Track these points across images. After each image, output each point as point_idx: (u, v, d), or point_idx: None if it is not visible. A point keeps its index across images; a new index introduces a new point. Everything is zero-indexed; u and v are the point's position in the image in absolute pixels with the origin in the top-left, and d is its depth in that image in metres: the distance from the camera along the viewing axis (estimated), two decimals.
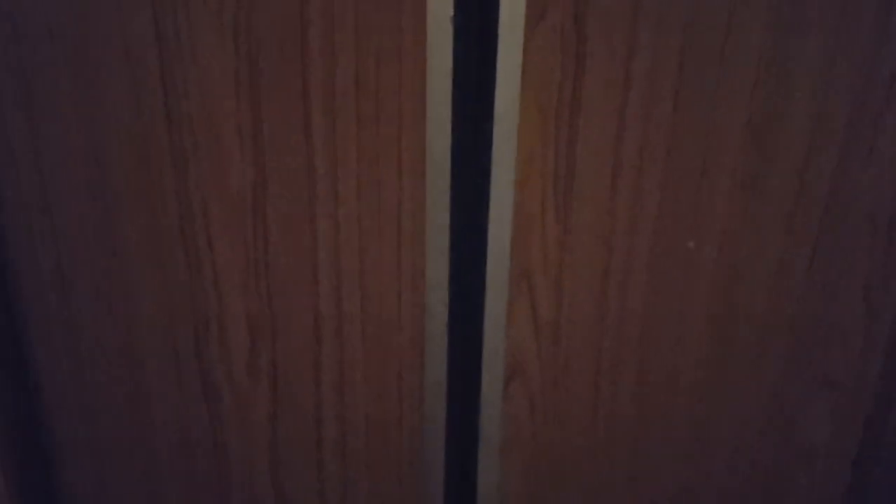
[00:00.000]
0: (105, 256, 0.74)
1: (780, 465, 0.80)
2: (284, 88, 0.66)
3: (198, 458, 0.81)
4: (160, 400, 0.79)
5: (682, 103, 0.67)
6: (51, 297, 0.76)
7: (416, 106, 0.66)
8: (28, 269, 0.75)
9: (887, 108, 0.68)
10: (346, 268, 0.72)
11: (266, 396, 0.77)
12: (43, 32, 0.66)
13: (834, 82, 0.67)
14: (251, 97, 0.66)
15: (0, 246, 0.75)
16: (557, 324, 0.74)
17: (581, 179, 0.69)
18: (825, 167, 0.70)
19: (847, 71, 0.66)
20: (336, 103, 0.66)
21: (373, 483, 0.81)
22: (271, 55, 0.64)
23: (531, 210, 0.70)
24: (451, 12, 0.63)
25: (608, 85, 0.66)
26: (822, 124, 0.68)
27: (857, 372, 0.77)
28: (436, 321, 0.73)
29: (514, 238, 0.71)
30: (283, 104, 0.66)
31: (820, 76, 0.66)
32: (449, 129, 0.67)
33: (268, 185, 0.69)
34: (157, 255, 0.74)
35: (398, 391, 0.77)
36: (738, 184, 0.69)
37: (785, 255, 0.72)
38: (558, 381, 0.76)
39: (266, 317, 0.74)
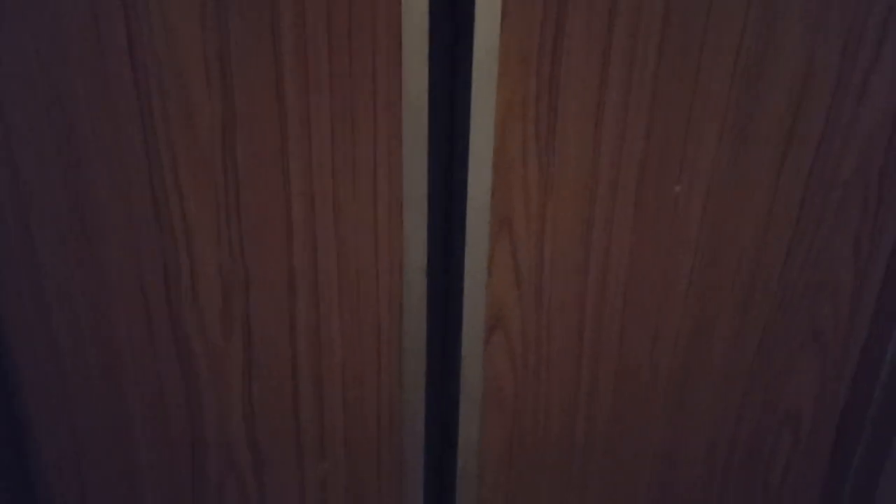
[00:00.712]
0: (71, 206, 0.72)
1: (765, 423, 0.79)
2: (253, 25, 0.63)
3: (171, 414, 0.79)
4: (131, 354, 0.77)
5: (669, 45, 0.65)
6: (15, 245, 0.74)
7: (392, 46, 0.64)
8: None
9: (877, 59, 0.66)
10: (320, 217, 0.70)
11: (240, 350, 0.75)
12: None
13: (824, 28, 0.64)
14: (219, 35, 0.63)
15: None
16: (539, 273, 0.72)
17: (564, 123, 0.67)
18: (815, 117, 0.67)
19: (838, 17, 0.64)
20: (308, 44, 0.63)
21: (351, 438, 0.79)
22: None
23: (512, 155, 0.68)
24: None
25: (592, 26, 0.64)
26: (811, 72, 0.66)
27: (845, 328, 0.76)
28: (414, 271, 0.71)
29: (494, 184, 0.69)
30: (253, 42, 0.63)
31: (810, 21, 0.64)
32: (426, 71, 0.65)
33: (237, 128, 0.67)
34: (124, 205, 0.71)
35: (376, 344, 0.75)
36: (725, 129, 0.67)
37: (774, 204, 0.70)
38: (540, 333, 0.74)
39: (238, 268, 0.72)
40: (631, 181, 0.69)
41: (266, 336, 0.74)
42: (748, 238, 0.71)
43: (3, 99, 0.67)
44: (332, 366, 0.76)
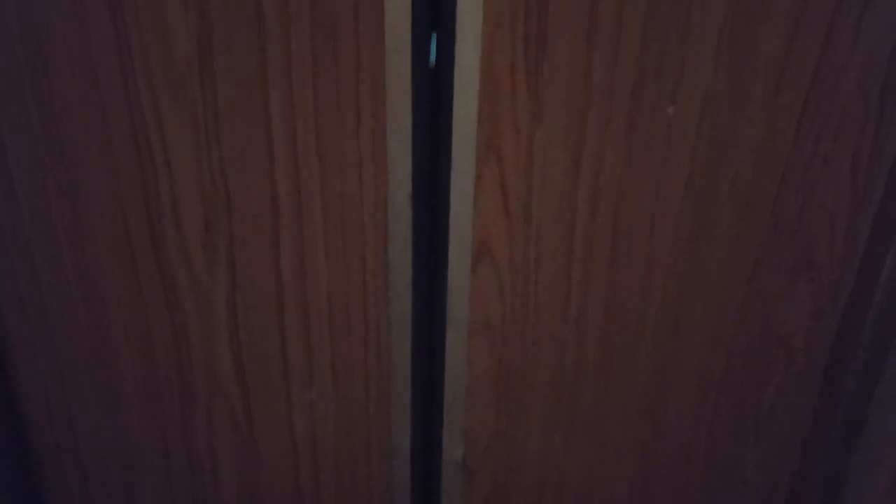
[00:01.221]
0: (49, 136, 0.70)
1: (757, 347, 0.78)
2: None
3: (156, 345, 0.78)
4: (114, 286, 0.76)
5: None
6: None
7: None
8: None
9: None
10: (302, 143, 0.68)
11: (224, 279, 0.74)
12: None
13: None
14: None
15: None
16: (528, 199, 0.70)
17: (554, 42, 0.64)
18: (814, 32, 0.65)
19: None
20: None
21: (337, 365, 0.79)
22: None
23: (500, 76, 0.65)
24: None
25: None
26: None
27: (840, 254, 0.74)
28: (399, 195, 0.69)
29: (481, 107, 0.66)
30: None
31: None
32: None
33: (214, 51, 0.64)
34: (103, 133, 0.69)
35: (362, 272, 0.74)
36: (721, 47, 0.65)
37: (770, 124, 0.68)
38: (528, 260, 0.73)
39: (220, 193, 0.70)
40: (623, 103, 0.66)
41: (250, 264, 0.73)
42: (743, 161, 0.69)
43: None
44: (318, 294, 0.74)
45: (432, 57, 0.66)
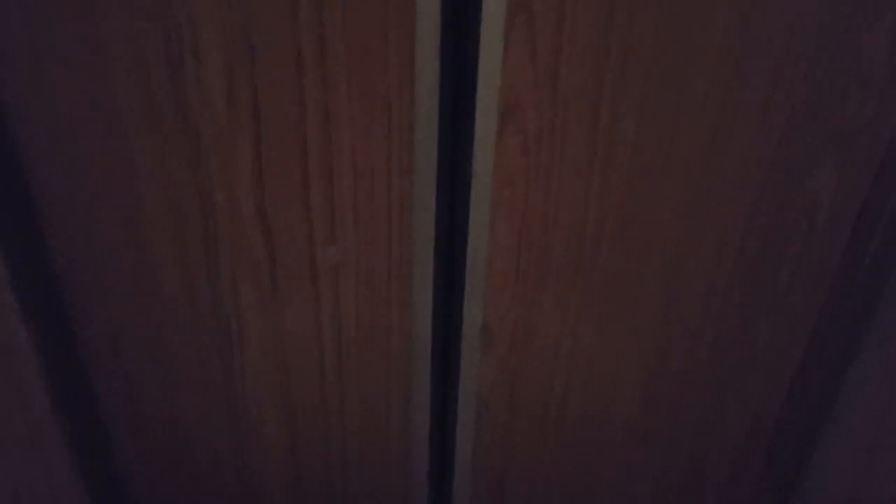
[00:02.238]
0: None
1: (779, 217, 0.78)
2: None
3: (181, 202, 0.79)
4: (136, 134, 0.75)
5: None
6: (13, 22, 0.71)
7: None
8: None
9: None
10: None
11: (248, 132, 0.74)
12: None
13: None
14: None
15: None
16: (557, 58, 0.69)
17: None
18: None
19: None
20: None
21: (361, 225, 0.79)
22: None
23: None
24: None
25: None
26: None
27: (871, 125, 0.73)
28: (426, 49, 0.68)
29: None
30: None
31: None
32: None
33: None
34: None
35: (386, 128, 0.73)
36: None
37: None
38: (555, 125, 0.72)
39: (242, 40, 0.69)
40: None
41: (274, 114, 0.73)
42: (777, 25, 0.67)
43: None
44: (342, 147, 0.74)
45: None
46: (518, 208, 0.78)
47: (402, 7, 0.67)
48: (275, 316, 0.87)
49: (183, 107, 0.72)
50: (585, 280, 0.83)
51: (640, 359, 0.89)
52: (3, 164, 0.77)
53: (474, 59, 0.70)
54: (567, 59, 0.69)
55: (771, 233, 0.79)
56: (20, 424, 0.92)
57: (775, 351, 0.88)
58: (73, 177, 0.78)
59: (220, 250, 0.82)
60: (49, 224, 0.81)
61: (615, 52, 0.69)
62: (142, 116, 0.74)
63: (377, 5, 0.67)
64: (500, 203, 0.78)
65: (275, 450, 1.00)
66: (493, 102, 0.72)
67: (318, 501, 1.06)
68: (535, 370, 0.90)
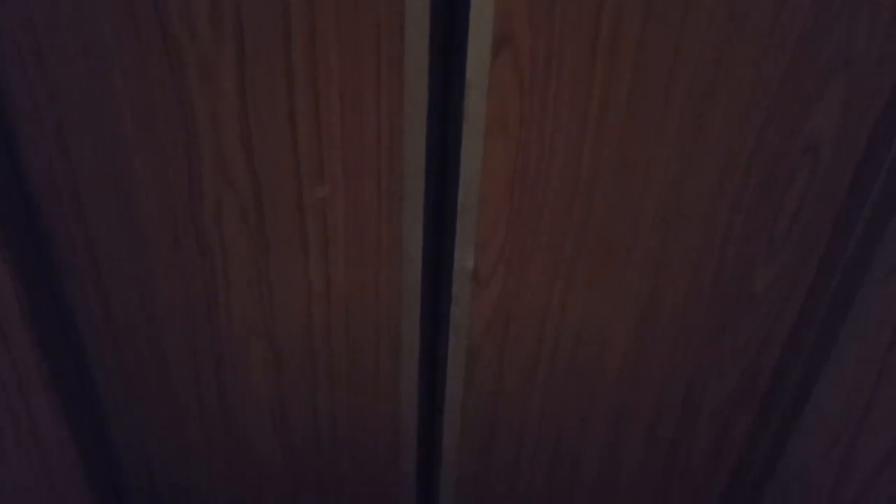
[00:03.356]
0: None
1: (782, 153, 0.75)
2: None
3: (163, 128, 0.76)
4: (120, 65, 0.73)
5: None
6: None
7: None
8: None
9: None
10: None
11: (232, 53, 0.71)
12: None
13: None
14: None
15: None
16: None
17: None
18: None
19: None
20: None
21: (348, 160, 0.77)
22: None
23: None
24: None
25: None
26: None
27: (878, 55, 0.70)
28: None
29: None
30: None
31: None
32: None
33: None
34: None
35: (376, 61, 0.71)
36: None
37: None
38: (551, 51, 0.70)
39: None
40: None
41: (259, 35, 0.70)
42: None
43: None
44: (330, 82, 0.72)
45: None
46: (511, 148, 0.75)
47: None
48: (261, 254, 0.84)
49: (165, 27, 0.70)
50: (579, 224, 0.81)
51: (634, 304, 0.87)
52: None
53: None
54: None
55: (772, 174, 0.77)
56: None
57: (774, 296, 0.86)
58: (53, 99, 0.75)
59: (203, 181, 0.79)
60: (26, 147, 0.79)
61: None
62: (122, 37, 0.71)
63: None
64: (492, 144, 0.75)
65: (261, 394, 0.99)
66: (487, 28, 0.69)
67: (304, 446, 1.05)
68: (526, 314, 0.88)
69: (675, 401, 0.96)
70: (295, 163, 0.77)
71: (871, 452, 0.93)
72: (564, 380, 0.94)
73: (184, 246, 0.84)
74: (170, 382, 0.99)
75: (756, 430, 0.99)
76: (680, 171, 0.77)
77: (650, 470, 1.05)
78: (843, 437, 0.92)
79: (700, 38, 0.69)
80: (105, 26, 0.70)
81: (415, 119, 0.75)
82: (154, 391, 1.00)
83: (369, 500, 1.11)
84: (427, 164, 0.78)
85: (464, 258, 0.82)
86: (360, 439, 1.03)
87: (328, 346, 0.93)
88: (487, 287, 0.84)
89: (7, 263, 0.81)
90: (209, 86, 0.73)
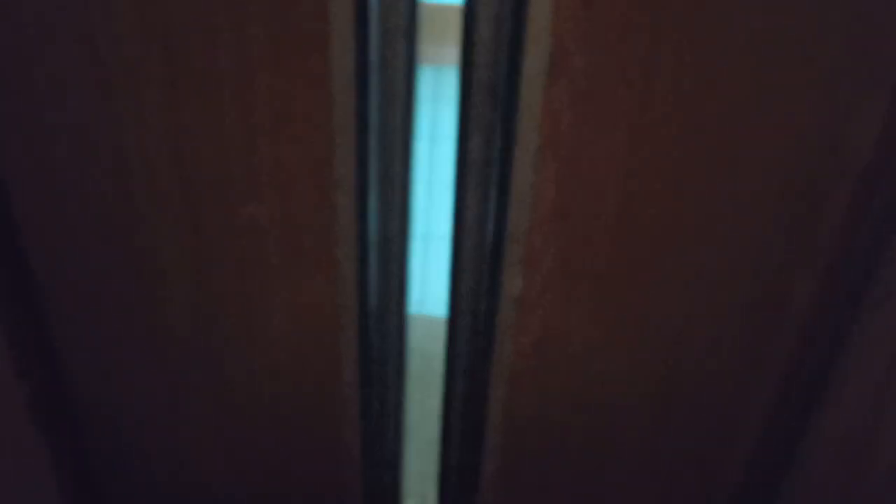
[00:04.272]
0: None
1: (819, 175, 0.73)
2: None
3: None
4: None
5: None
6: None
7: None
8: None
9: None
10: None
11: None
12: None
13: None
14: None
15: None
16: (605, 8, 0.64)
17: None
18: None
19: None
20: None
21: (279, 178, 0.73)
22: None
23: None
24: None
25: None
26: None
27: None
28: None
29: None
30: None
31: None
32: None
33: None
34: None
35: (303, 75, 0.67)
36: None
37: None
38: (604, 79, 0.68)
39: None
40: None
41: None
42: None
43: None
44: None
45: None
46: (562, 172, 0.74)
47: None
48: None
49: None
50: (625, 248, 0.78)
51: (670, 326, 0.85)
52: None
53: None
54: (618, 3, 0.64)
55: (811, 185, 0.75)
56: None
57: (809, 310, 0.84)
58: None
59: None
60: None
61: None
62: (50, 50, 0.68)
63: None
64: (543, 168, 0.74)
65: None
66: (543, 53, 0.67)
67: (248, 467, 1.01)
68: (569, 341, 0.85)
69: (712, 423, 0.94)
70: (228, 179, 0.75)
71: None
72: (604, 404, 0.92)
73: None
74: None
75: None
76: (725, 194, 0.75)
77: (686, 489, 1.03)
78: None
79: (750, 62, 0.67)
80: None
81: (345, 134, 0.73)
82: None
83: None
84: (483, 193, 0.75)
85: (511, 284, 0.80)
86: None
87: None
88: (533, 313, 0.82)
89: None
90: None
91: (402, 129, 0.77)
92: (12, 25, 0.68)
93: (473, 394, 0.93)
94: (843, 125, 0.71)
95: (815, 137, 0.72)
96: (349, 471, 0.98)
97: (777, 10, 0.66)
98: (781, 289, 0.82)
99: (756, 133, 0.72)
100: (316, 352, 0.88)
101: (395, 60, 0.73)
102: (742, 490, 1.05)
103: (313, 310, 0.84)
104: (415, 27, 0.76)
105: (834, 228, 0.78)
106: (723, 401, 0.92)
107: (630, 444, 0.96)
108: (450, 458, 1.01)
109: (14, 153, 0.76)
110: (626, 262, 0.80)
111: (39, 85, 0.71)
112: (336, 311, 0.84)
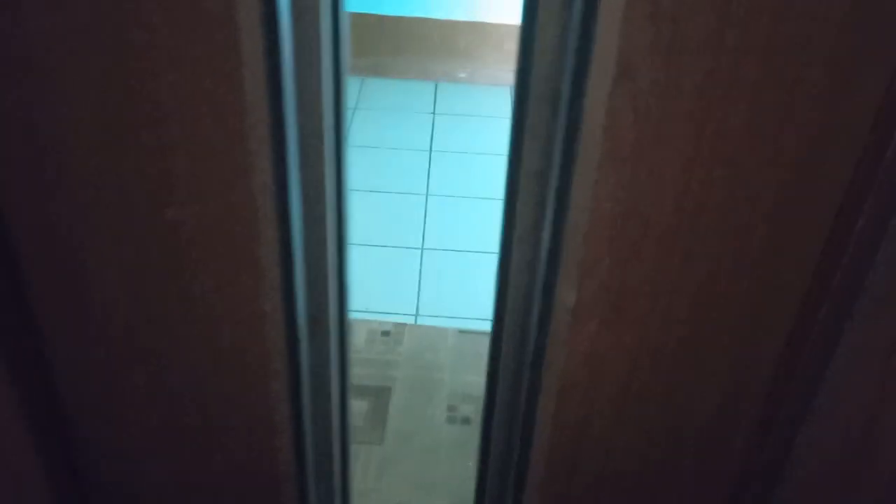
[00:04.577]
0: None
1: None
2: None
3: None
4: None
5: None
6: None
7: None
8: None
9: None
10: None
11: None
12: None
13: None
14: None
15: None
16: (674, 21, 0.65)
17: None
18: None
19: None
20: None
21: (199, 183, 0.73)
22: None
23: None
24: None
25: None
26: None
27: None
28: None
29: None
30: None
31: None
32: None
33: None
34: None
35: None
36: None
37: None
38: (668, 89, 0.69)
39: None
40: None
41: None
42: None
43: None
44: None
45: None
46: (621, 181, 0.74)
47: None
48: None
49: None
50: (679, 260, 0.79)
51: (730, 342, 0.86)
52: None
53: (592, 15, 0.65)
54: (684, 15, 0.66)
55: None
56: None
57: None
58: None
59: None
60: None
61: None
62: None
63: None
64: (604, 176, 0.74)
65: None
66: (610, 62, 0.67)
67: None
68: (619, 351, 0.87)
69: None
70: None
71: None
72: (651, 416, 0.93)
73: None
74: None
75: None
76: (786, 208, 0.76)
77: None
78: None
79: (816, 79, 0.69)
80: None
81: (260, 141, 0.73)
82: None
83: None
84: (536, 199, 0.75)
85: (565, 293, 0.80)
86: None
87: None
88: (585, 323, 0.82)
89: None
90: None
91: (318, 135, 0.77)
92: None
93: (517, 406, 0.93)
94: None
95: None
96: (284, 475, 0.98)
97: (855, 29, 0.68)
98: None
99: (816, 142, 0.74)
100: (244, 359, 0.88)
101: (311, 67, 0.74)
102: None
103: (241, 316, 0.84)
104: (339, 36, 0.77)
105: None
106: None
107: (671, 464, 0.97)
108: (489, 470, 1.01)
109: None
110: (674, 274, 0.81)
111: None
112: (262, 318, 0.84)
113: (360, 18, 2.75)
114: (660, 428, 0.93)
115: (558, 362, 0.85)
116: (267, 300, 0.82)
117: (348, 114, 2.61)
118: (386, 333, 1.80)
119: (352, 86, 2.79)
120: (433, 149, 2.49)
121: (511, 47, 2.79)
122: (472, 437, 1.60)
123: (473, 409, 1.64)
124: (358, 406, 1.65)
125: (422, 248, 2.10)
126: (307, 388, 0.92)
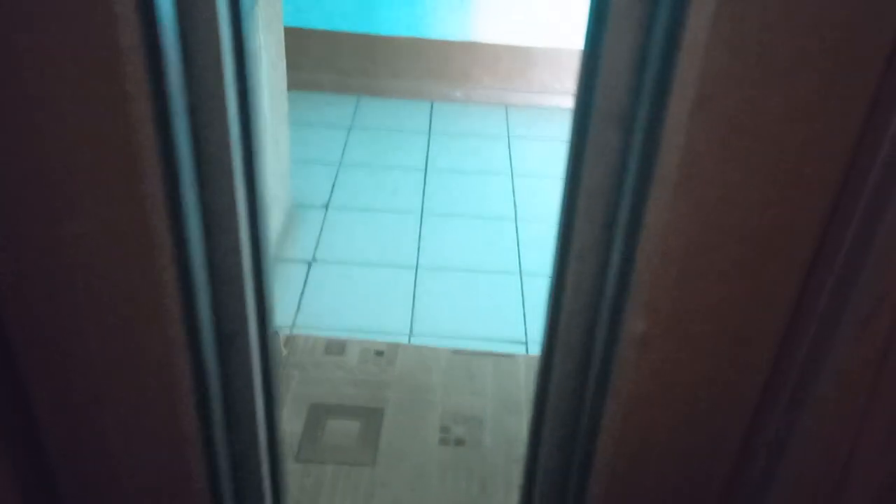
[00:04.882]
0: None
1: None
2: None
3: None
4: None
5: None
6: None
7: None
8: None
9: None
10: None
11: None
12: None
13: None
14: None
15: None
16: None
17: None
18: None
19: None
20: None
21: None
22: None
23: None
24: None
25: None
26: None
27: None
28: None
29: None
30: None
31: None
32: None
33: None
34: None
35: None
36: None
37: None
38: (748, 116, 0.68)
39: None
40: None
41: None
42: None
43: None
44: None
45: None
46: (696, 208, 0.73)
47: None
48: None
49: None
50: (747, 287, 0.78)
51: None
52: None
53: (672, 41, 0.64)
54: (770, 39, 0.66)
55: None
56: None
57: None
58: None
59: None
60: None
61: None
62: None
63: None
64: (680, 203, 0.73)
65: None
66: (691, 88, 0.67)
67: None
68: (686, 379, 0.85)
69: None
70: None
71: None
72: (713, 447, 0.91)
73: None
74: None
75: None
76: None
77: None
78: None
79: None
80: None
81: (147, 158, 0.72)
82: None
83: None
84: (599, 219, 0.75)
85: (634, 321, 0.79)
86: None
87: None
88: (653, 351, 0.81)
89: None
90: None
91: (224, 147, 0.76)
92: None
93: (569, 434, 0.92)
94: None
95: None
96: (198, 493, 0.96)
97: None
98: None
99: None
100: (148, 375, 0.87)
101: (208, 88, 0.72)
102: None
103: (143, 334, 0.82)
104: (241, 48, 0.76)
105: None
106: None
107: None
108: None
109: None
110: (740, 301, 0.80)
111: None
112: (166, 337, 0.82)
113: (354, 38, 2.76)
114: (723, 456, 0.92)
115: (625, 390, 0.83)
116: (167, 321, 0.80)
117: (343, 133, 2.63)
118: (379, 353, 1.79)
119: (347, 105, 2.79)
120: (428, 168, 2.49)
121: (505, 67, 2.80)
122: (465, 458, 1.58)
123: (466, 431, 1.63)
124: (350, 426, 1.63)
125: (416, 267, 2.09)
126: (217, 403, 0.90)
